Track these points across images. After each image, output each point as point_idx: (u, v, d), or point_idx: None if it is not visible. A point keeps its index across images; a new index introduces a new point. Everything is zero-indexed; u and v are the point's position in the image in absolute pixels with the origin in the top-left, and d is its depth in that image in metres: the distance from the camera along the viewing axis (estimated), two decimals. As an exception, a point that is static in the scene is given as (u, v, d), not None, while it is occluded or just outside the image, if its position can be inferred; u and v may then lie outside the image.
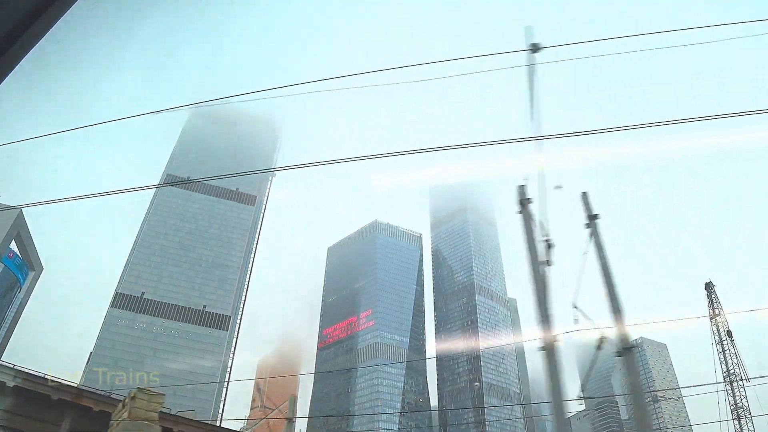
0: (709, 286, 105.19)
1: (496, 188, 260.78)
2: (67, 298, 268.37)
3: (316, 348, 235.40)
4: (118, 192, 18.73)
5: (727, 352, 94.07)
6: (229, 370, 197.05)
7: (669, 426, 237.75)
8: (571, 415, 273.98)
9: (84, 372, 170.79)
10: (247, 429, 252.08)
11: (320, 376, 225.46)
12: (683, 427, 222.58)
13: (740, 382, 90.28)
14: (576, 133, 13.36)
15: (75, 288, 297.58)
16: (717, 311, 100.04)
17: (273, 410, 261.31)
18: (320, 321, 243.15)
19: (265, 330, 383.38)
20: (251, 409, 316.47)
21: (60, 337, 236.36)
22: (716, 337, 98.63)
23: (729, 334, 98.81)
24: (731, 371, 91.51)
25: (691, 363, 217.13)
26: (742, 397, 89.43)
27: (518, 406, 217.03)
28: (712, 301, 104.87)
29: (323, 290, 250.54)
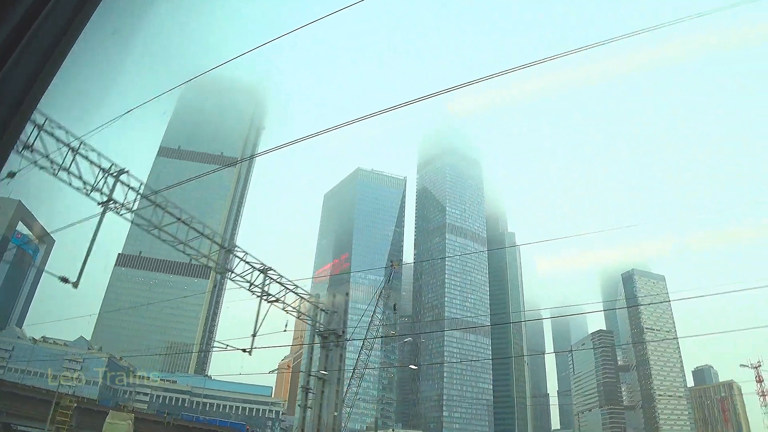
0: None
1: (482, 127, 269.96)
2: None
3: (310, 287, 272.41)
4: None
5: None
6: (211, 308, 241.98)
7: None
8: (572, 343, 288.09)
9: (96, 323, 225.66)
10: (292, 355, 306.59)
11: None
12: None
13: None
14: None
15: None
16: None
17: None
18: (314, 263, 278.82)
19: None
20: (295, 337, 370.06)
21: (77, 296, 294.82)
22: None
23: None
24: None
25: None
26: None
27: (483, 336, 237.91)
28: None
29: (318, 234, 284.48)
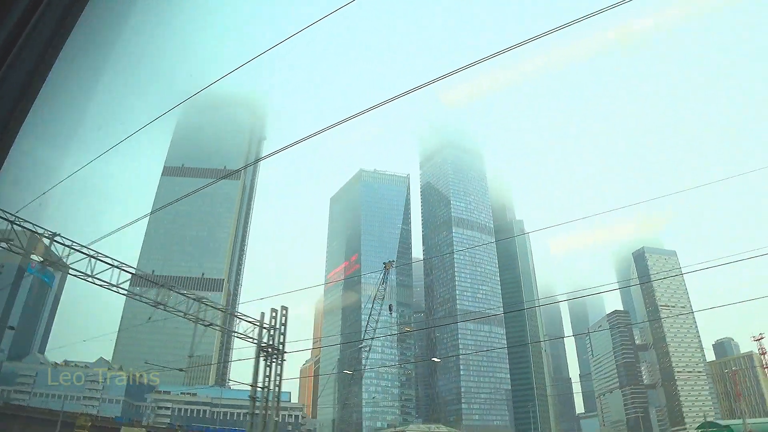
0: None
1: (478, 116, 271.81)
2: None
3: (323, 291, 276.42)
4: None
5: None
6: (227, 321, 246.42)
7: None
8: (590, 326, 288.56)
9: (115, 343, 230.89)
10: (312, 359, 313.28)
11: (328, 317, 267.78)
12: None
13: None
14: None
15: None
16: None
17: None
18: (326, 266, 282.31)
19: (273, 281, 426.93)
20: (314, 341, 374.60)
21: (94, 317, 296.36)
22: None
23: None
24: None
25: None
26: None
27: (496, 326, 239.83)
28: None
29: (327, 237, 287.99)
